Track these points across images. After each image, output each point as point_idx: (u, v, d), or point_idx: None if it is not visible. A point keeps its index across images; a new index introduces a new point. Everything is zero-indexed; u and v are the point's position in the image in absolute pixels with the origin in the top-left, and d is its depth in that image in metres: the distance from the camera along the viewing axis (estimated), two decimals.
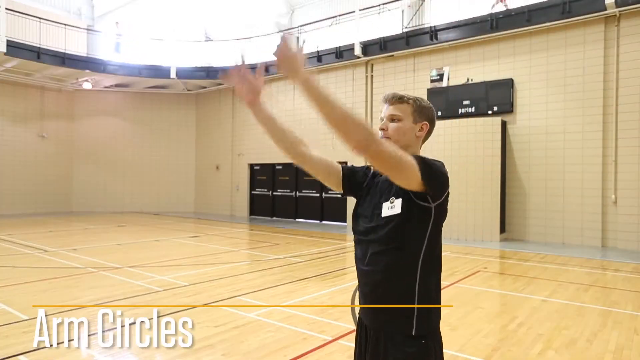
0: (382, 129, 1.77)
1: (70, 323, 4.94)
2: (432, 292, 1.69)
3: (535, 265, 8.31)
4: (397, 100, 1.77)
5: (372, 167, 1.90)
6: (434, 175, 1.59)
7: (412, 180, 1.56)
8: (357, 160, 14.55)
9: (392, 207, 1.67)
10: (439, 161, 1.68)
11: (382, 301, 1.68)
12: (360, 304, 1.81)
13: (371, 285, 1.71)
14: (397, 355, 1.63)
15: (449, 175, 1.68)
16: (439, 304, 1.72)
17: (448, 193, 1.69)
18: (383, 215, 1.68)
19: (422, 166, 1.56)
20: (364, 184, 1.87)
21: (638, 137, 10.10)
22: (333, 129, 1.46)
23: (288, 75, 1.49)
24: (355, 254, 1.81)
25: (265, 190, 17.66)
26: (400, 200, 1.65)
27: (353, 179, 1.88)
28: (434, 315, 1.69)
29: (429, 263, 1.67)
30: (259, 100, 1.78)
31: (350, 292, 6.09)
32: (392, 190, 1.71)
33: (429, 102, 1.83)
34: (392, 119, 1.76)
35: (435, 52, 13.13)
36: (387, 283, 1.67)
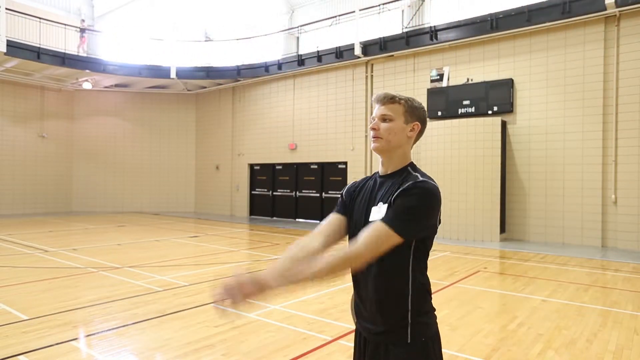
0: (373, 129, 1.77)
1: (71, 323, 4.95)
2: (424, 300, 1.70)
3: (535, 265, 8.31)
4: (389, 100, 1.77)
5: (355, 184, 1.90)
6: (419, 227, 1.61)
7: (396, 244, 1.58)
8: (355, 158, 14.54)
9: (379, 212, 1.67)
10: (432, 183, 1.64)
11: (375, 310, 1.69)
12: (355, 310, 1.82)
13: (364, 293, 1.74)
14: (398, 355, 1.64)
15: (440, 192, 1.66)
16: (433, 313, 1.74)
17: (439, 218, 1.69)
18: (370, 219, 1.69)
19: (398, 228, 1.56)
20: (353, 195, 1.86)
21: (638, 137, 10.10)
22: (340, 275, 1.54)
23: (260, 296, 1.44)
24: None
25: (265, 190, 17.66)
26: (386, 205, 1.65)
27: (350, 205, 1.86)
28: (430, 321, 1.71)
29: (419, 271, 1.68)
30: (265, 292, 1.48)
31: (351, 291, 6.08)
32: (379, 195, 1.71)
33: (420, 102, 1.83)
34: (384, 118, 1.76)
35: (435, 52, 13.13)
36: (379, 291, 1.68)
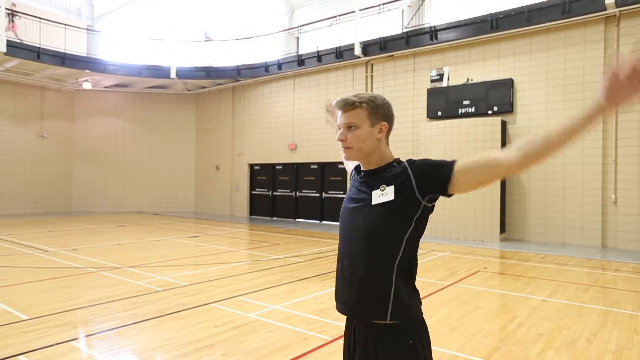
0: (341, 140, 1.73)
1: (71, 323, 4.95)
2: (410, 282, 1.70)
3: (535, 265, 8.31)
4: (349, 106, 1.71)
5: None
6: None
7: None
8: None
9: (383, 195, 1.66)
10: None
11: (359, 283, 1.69)
12: (339, 289, 1.81)
13: (351, 270, 1.72)
14: (386, 357, 1.64)
15: None
16: (417, 296, 1.72)
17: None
18: (373, 203, 1.67)
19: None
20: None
21: (638, 137, 10.10)
22: (556, 148, 1.44)
23: (612, 103, 1.33)
24: (340, 239, 1.82)
25: (265, 190, 17.67)
26: (392, 187, 1.65)
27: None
28: (413, 304, 1.69)
29: (407, 258, 1.67)
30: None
31: None
32: (381, 181, 1.70)
33: (383, 97, 1.76)
34: (349, 126, 1.71)
35: (435, 52, 13.13)
36: (366, 270, 1.67)
